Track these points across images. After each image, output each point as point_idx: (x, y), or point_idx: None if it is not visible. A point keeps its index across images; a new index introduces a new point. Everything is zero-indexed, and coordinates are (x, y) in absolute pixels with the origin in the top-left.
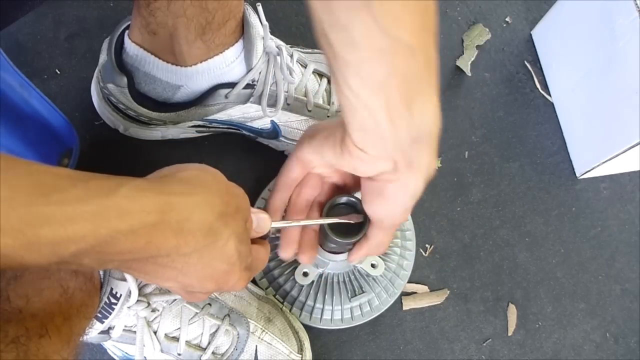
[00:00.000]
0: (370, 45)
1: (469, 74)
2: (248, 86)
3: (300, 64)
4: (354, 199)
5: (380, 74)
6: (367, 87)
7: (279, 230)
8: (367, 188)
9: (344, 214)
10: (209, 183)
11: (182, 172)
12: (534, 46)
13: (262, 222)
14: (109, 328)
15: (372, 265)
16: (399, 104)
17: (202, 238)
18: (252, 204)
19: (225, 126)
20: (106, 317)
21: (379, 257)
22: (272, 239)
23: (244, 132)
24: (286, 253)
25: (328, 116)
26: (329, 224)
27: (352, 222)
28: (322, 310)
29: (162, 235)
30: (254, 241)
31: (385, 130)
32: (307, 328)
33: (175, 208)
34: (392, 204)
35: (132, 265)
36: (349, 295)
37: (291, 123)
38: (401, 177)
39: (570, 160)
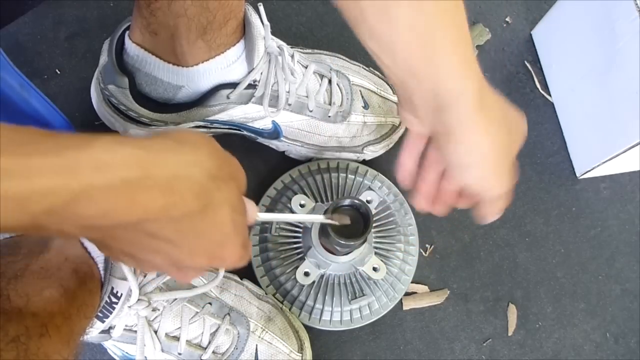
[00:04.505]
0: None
1: None
2: (250, 86)
3: (301, 64)
4: (357, 201)
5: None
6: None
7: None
8: (447, 156)
9: (347, 215)
10: (200, 144)
11: (171, 133)
12: (534, 46)
13: (250, 208)
14: (110, 327)
15: (374, 269)
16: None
17: (193, 199)
18: (256, 203)
19: (227, 127)
20: (107, 317)
21: (381, 260)
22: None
23: (244, 132)
24: (422, 204)
25: (329, 116)
26: (333, 226)
27: (336, 223)
28: (322, 311)
29: (148, 193)
30: None
31: (416, 94)
32: (307, 328)
33: (161, 164)
34: (469, 151)
35: (118, 234)
36: (349, 297)
37: (292, 123)
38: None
39: (570, 160)
